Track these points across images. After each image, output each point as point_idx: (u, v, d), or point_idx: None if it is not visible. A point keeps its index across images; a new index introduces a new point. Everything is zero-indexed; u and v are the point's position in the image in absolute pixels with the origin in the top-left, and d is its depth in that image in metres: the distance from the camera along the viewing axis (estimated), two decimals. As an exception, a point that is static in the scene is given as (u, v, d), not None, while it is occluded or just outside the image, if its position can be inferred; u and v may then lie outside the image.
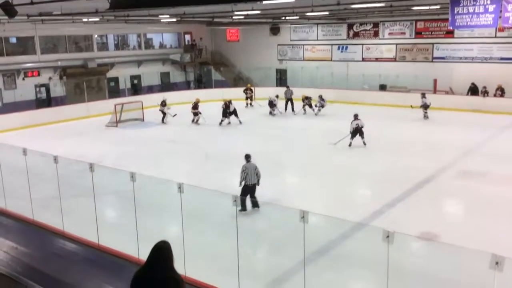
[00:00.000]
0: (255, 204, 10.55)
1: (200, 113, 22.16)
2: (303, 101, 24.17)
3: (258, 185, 10.69)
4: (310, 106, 24.01)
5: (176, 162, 15.94)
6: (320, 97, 23.92)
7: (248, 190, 10.63)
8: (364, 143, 16.90)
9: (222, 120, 21.80)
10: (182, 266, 7.22)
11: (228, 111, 21.79)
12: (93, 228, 8.93)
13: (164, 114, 23.03)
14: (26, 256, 7.37)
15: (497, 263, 4.58)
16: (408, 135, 18.89)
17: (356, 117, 17.20)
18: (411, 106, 21.97)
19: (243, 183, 10.65)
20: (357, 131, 17.01)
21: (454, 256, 7.64)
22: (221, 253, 8.69)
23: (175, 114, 22.94)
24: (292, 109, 24.91)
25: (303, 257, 6.76)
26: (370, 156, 15.80)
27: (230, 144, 18.50)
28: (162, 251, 3.92)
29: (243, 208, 10.21)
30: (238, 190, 10.54)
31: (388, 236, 5.23)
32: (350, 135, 17.15)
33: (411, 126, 20.69)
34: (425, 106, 21.67)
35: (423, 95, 21.94)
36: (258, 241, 9.70)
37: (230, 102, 22.12)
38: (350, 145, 17.09)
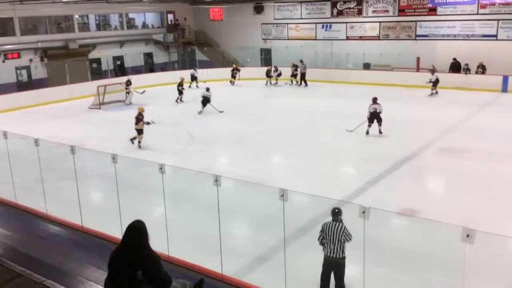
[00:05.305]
0: None
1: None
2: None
3: (344, 259, 6.59)
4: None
5: (160, 143, 15.91)
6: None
7: (328, 265, 6.67)
8: (380, 131, 15.46)
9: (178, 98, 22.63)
10: (165, 246, 7.31)
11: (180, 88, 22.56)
12: (77, 211, 8.94)
13: (128, 93, 23.13)
14: (8, 239, 7.38)
15: (468, 235, 4.72)
16: (390, 113, 18.95)
17: (374, 101, 15.56)
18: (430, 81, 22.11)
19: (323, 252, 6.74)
20: (374, 116, 15.43)
21: (429, 230, 7.84)
22: (204, 232, 8.77)
23: (144, 91, 23.17)
24: (305, 83, 26.14)
25: (284, 235, 6.87)
26: (353, 135, 15.91)
27: (215, 125, 18.49)
28: (136, 230, 4.02)
29: None
30: (221, 171, 9.05)
31: (364, 212, 5.34)
32: (367, 121, 15.59)
33: (393, 104, 20.70)
34: (435, 83, 21.93)
35: (433, 71, 22.28)
36: (240, 220, 9.79)
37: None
38: (367, 133, 15.54)
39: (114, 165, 8.20)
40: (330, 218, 6.65)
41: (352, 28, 29.28)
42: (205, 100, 19.80)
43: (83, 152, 9.79)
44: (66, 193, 10.12)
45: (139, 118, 15.16)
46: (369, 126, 15.54)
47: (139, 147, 15.19)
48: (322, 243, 6.68)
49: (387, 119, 15.58)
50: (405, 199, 10.42)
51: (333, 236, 6.49)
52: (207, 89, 20.04)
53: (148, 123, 15.21)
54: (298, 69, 26.42)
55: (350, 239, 6.50)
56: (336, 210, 6.65)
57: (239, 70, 27.48)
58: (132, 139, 15.34)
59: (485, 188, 11.07)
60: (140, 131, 15.22)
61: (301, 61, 26.69)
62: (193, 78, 26.45)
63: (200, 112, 19.86)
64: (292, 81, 26.71)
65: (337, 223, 6.55)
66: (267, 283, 7.27)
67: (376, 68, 27.39)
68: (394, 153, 13.75)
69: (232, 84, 26.98)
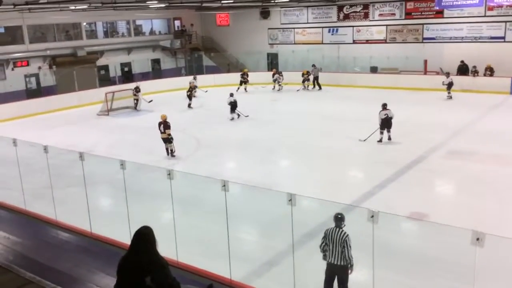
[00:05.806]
0: None
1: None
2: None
3: (347, 264, 6.39)
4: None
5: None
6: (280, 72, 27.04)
7: (331, 271, 6.52)
8: (390, 138, 15.22)
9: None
10: (174, 251, 7.32)
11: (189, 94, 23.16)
12: (86, 217, 8.99)
13: (137, 100, 23.28)
14: (18, 245, 7.42)
15: (478, 239, 4.69)
16: (398, 116, 18.90)
17: (384, 106, 15.21)
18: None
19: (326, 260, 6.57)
20: (386, 122, 15.14)
21: (439, 234, 7.79)
22: (212, 238, 8.78)
23: (151, 100, 23.20)
24: (319, 87, 26.37)
25: (292, 240, 6.85)
26: (361, 138, 15.86)
27: (222, 130, 18.50)
28: (144, 236, 4.03)
29: None
30: (229, 176, 9.69)
31: (372, 216, 5.33)
32: (378, 129, 15.21)
33: (401, 108, 20.65)
34: (449, 85, 21.83)
35: (448, 74, 22.18)
36: (249, 225, 9.78)
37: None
38: (380, 140, 15.14)
39: (122, 171, 8.24)
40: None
41: (359, 31, 29.25)
42: (234, 106, 19.71)
43: (91, 158, 9.86)
44: (75, 199, 10.18)
45: (167, 125, 14.59)
46: (381, 133, 15.24)
47: (173, 156, 14.71)
48: (323, 250, 6.51)
49: (395, 122, 15.52)
50: (414, 202, 10.37)
51: (336, 242, 6.30)
52: (231, 95, 19.93)
53: (169, 135, 14.76)
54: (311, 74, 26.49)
55: (351, 263, 6.30)
56: (339, 216, 6.42)
57: (247, 78, 27.10)
58: (171, 152, 14.78)
59: (495, 190, 10.99)
60: (165, 140, 14.70)
61: (314, 65, 26.83)
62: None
63: (238, 117, 19.75)
64: (307, 86, 26.57)
65: (340, 230, 6.35)
66: (276, 288, 7.26)
67: (383, 71, 27.33)
68: (402, 156, 13.69)
69: (237, 90, 26.05)
